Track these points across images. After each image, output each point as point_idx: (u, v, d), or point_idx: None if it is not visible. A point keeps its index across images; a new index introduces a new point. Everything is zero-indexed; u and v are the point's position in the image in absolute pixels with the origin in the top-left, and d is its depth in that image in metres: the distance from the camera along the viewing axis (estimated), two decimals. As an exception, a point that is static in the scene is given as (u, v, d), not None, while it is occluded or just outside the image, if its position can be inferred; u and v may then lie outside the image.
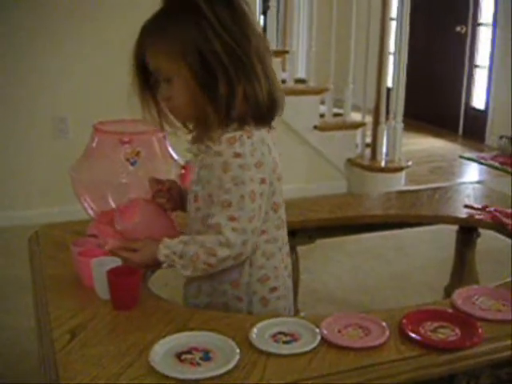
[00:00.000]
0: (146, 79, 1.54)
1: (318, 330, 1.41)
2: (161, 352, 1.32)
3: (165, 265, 1.53)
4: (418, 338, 1.39)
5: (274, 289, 1.63)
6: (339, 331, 1.43)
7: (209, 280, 1.62)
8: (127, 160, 1.89)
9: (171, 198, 1.75)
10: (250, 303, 1.62)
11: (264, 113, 1.51)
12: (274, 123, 1.58)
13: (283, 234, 1.66)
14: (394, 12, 4.94)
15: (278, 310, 1.64)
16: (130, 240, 1.63)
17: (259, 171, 1.48)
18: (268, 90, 1.50)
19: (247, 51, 1.46)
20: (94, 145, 1.95)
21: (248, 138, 1.48)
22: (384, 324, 1.44)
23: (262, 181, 1.49)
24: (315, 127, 4.85)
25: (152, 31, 1.49)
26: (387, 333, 1.41)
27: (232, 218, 1.47)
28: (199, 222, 1.59)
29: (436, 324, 1.46)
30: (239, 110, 1.47)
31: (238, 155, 1.46)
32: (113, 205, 1.87)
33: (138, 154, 1.90)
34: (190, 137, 1.63)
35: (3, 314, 2.99)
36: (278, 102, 1.54)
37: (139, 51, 1.51)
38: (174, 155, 2.00)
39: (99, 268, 1.56)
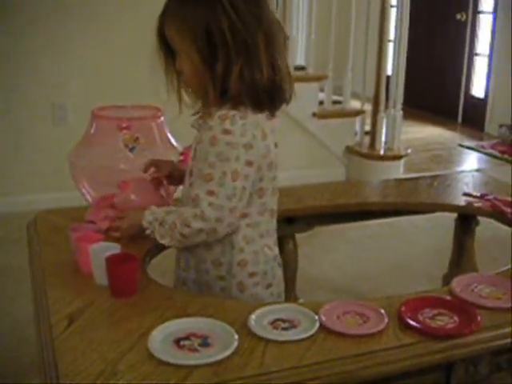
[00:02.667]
0: (170, 51, 1.58)
1: (316, 317, 1.41)
2: (159, 338, 1.32)
3: (148, 231, 1.57)
4: (416, 325, 1.39)
5: (252, 274, 1.64)
6: (338, 318, 1.43)
7: (195, 256, 1.65)
8: (126, 146, 1.89)
9: (173, 179, 1.82)
10: (230, 285, 1.63)
11: (261, 97, 1.52)
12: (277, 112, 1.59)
13: (267, 220, 1.66)
14: (393, -1, 4.93)
15: (256, 296, 1.65)
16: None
17: (247, 153, 1.49)
18: (270, 76, 1.50)
19: (254, 35, 1.48)
20: (93, 131, 1.95)
21: (241, 118, 1.49)
22: (382, 311, 1.44)
23: (249, 163, 1.50)
24: (314, 114, 4.85)
25: (169, 6, 1.54)
26: (386, 320, 1.41)
27: (211, 193, 1.48)
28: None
29: (435, 311, 1.46)
30: (234, 90, 1.49)
31: (226, 132, 1.48)
32: (111, 190, 1.87)
33: (136, 139, 1.90)
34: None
35: (2, 302, 2.99)
36: (281, 91, 1.54)
37: (159, 23, 1.56)
38: (173, 141, 2.00)
39: (97, 254, 1.55)
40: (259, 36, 1.49)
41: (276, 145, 1.61)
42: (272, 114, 1.57)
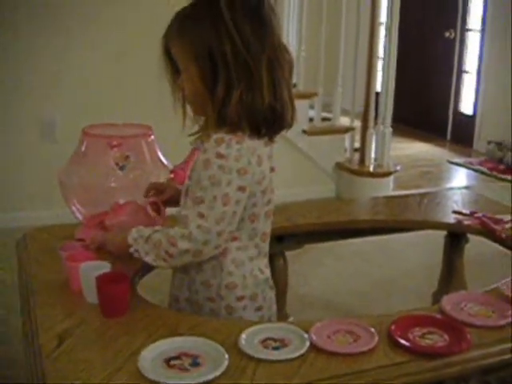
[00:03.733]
0: (175, 66, 1.58)
1: (307, 336, 1.41)
2: (149, 357, 1.31)
3: (132, 249, 1.56)
4: (406, 343, 1.40)
5: (241, 298, 1.63)
6: (328, 337, 1.43)
7: (187, 276, 1.65)
8: (116, 164, 1.89)
9: (174, 203, 1.78)
10: (219, 307, 1.62)
11: (259, 123, 1.51)
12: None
13: (258, 244, 1.65)
14: (383, 17, 4.94)
15: (245, 319, 1.63)
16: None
17: (240, 178, 1.49)
18: (271, 103, 1.49)
19: (257, 59, 1.47)
20: (83, 149, 1.95)
21: (237, 142, 1.48)
22: (373, 330, 1.45)
23: (241, 188, 1.49)
24: (304, 131, 4.87)
25: (175, 23, 1.54)
26: (376, 338, 1.41)
27: (200, 215, 1.48)
28: None
29: (425, 330, 1.47)
30: (233, 114, 1.48)
31: (220, 156, 1.47)
32: (101, 209, 1.87)
33: (126, 158, 1.90)
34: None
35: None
36: (281, 118, 1.53)
37: (164, 39, 1.56)
38: (163, 160, 2.00)
39: (87, 273, 1.55)
40: (262, 60, 1.48)
41: (272, 169, 1.60)
42: (270, 140, 1.57)
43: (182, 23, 1.52)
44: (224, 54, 1.46)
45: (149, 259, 1.54)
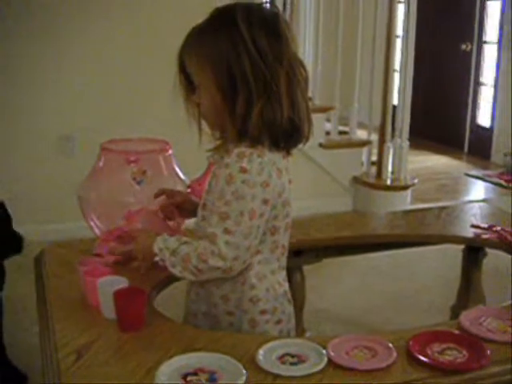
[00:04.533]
0: (190, 82, 1.58)
1: (324, 352, 1.40)
2: (167, 373, 1.31)
3: (157, 258, 1.55)
4: (425, 359, 1.39)
5: (264, 311, 1.62)
6: (346, 353, 1.42)
7: (205, 289, 1.64)
8: (134, 179, 1.90)
9: (180, 210, 1.79)
10: (240, 320, 1.62)
11: (279, 137, 1.52)
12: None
13: (278, 257, 1.65)
14: (399, 29, 4.95)
15: (267, 333, 1.62)
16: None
17: (264, 191, 1.49)
18: (290, 117, 1.50)
19: (275, 74, 1.48)
20: (101, 164, 1.96)
21: (258, 156, 1.49)
22: (391, 345, 1.44)
23: (265, 201, 1.50)
24: (320, 145, 4.87)
25: (191, 39, 1.54)
26: (394, 354, 1.40)
27: (228, 232, 1.47)
28: (204, 230, 1.59)
29: (443, 346, 1.46)
30: (254, 129, 1.48)
31: (244, 170, 1.47)
32: (119, 224, 1.87)
33: (144, 173, 1.90)
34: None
35: (8, 331, 2.98)
36: (300, 131, 1.54)
37: (180, 55, 1.56)
38: (181, 174, 2.00)
39: (105, 288, 1.56)
40: (280, 74, 1.48)
41: (290, 181, 1.60)
42: (288, 153, 1.58)
43: (199, 38, 1.53)
44: (243, 69, 1.46)
45: (175, 271, 1.54)
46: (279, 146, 1.54)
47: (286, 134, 1.52)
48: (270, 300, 1.62)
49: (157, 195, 1.81)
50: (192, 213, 1.77)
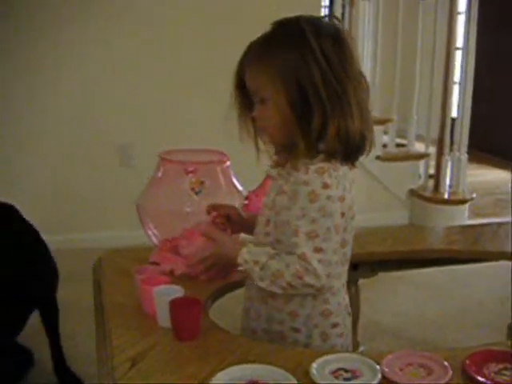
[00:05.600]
0: (246, 96, 1.55)
1: (378, 368, 1.39)
2: (220, 384, 1.32)
3: (240, 268, 1.54)
4: (482, 379, 1.36)
5: (335, 325, 1.61)
6: (400, 369, 1.40)
7: (268, 307, 1.62)
8: (192, 189, 1.91)
9: (231, 223, 1.76)
10: (310, 336, 1.60)
11: (352, 150, 1.50)
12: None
13: (346, 270, 1.64)
14: (459, 41, 4.89)
15: (336, 347, 1.62)
16: (196, 264, 1.66)
17: (341, 206, 1.48)
18: (360, 129, 1.48)
19: (345, 88, 1.46)
20: (160, 174, 1.98)
21: (334, 170, 1.48)
22: (446, 364, 1.41)
23: (342, 215, 1.49)
24: (378, 157, 4.84)
25: (257, 51, 1.51)
26: (450, 373, 1.38)
27: (318, 250, 1.46)
28: (268, 247, 1.58)
29: (500, 365, 1.42)
30: (330, 143, 1.46)
31: (326, 186, 1.46)
32: (176, 233, 1.90)
33: (202, 183, 1.92)
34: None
35: (67, 337, 3.03)
36: (366, 142, 1.52)
37: (240, 68, 1.53)
38: (238, 186, 2.02)
39: (161, 297, 1.57)
40: (349, 87, 1.46)
41: None
42: (353, 165, 1.56)
43: (265, 51, 1.49)
44: (314, 82, 1.43)
45: (262, 284, 1.52)
46: (349, 159, 1.52)
47: (357, 147, 1.51)
48: (339, 313, 1.62)
49: (208, 211, 1.77)
50: (241, 226, 1.76)
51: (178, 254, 1.74)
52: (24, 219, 2.65)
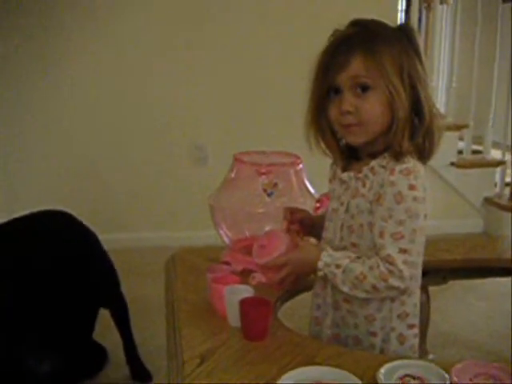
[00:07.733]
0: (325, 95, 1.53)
1: (447, 376, 1.37)
2: (286, 385, 1.32)
3: (320, 273, 1.53)
4: (554, 393, 1.33)
5: (412, 326, 1.60)
6: (470, 379, 1.38)
7: (341, 312, 1.61)
8: (264, 191, 1.92)
9: (303, 226, 1.75)
10: (386, 339, 1.59)
11: (432, 150, 1.52)
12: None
13: (420, 272, 1.61)
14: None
15: (414, 348, 1.61)
16: (273, 273, 1.62)
17: (424, 207, 1.48)
18: (436, 125, 1.50)
19: (427, 86, 1.49)
20: (233, 175, 2.00)
21: (418, 171, 1.48)
22: (518, 376, 1.39)
23: (425, 216, 1.49)
24: (452, 164, 4.76)
25: (366, 39, 1.47)
26: (521, 385, 1.36)
27: (403, 251, 1.46)
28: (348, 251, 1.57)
29: None
30: (414, 144, 1.48)
31: (412, 187, 1.45)
32: (248, 234, 1.91)
33: (275, 185, 1.93)
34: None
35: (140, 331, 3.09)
36: (438, 141, 1.53)
37: (332, 61, 1.48)
38: (310, 188, 2.02)
39: (231, 296, 1.59)
40: (427, 82, 1.49)
41: None
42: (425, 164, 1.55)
43: (375, 40, 1.46)
44: (418, 81, 1.46)
45: (344, 288, 1.51)
46: (424, 158, 1.52)
47: (432, 145, 1.51)
48: (415, 315, 1.61)
49: (286, 215, 1.73)
50: (311, 229, 1.74)
51: (249, 254, 1.73)
52: (82, 223, 2.72)
